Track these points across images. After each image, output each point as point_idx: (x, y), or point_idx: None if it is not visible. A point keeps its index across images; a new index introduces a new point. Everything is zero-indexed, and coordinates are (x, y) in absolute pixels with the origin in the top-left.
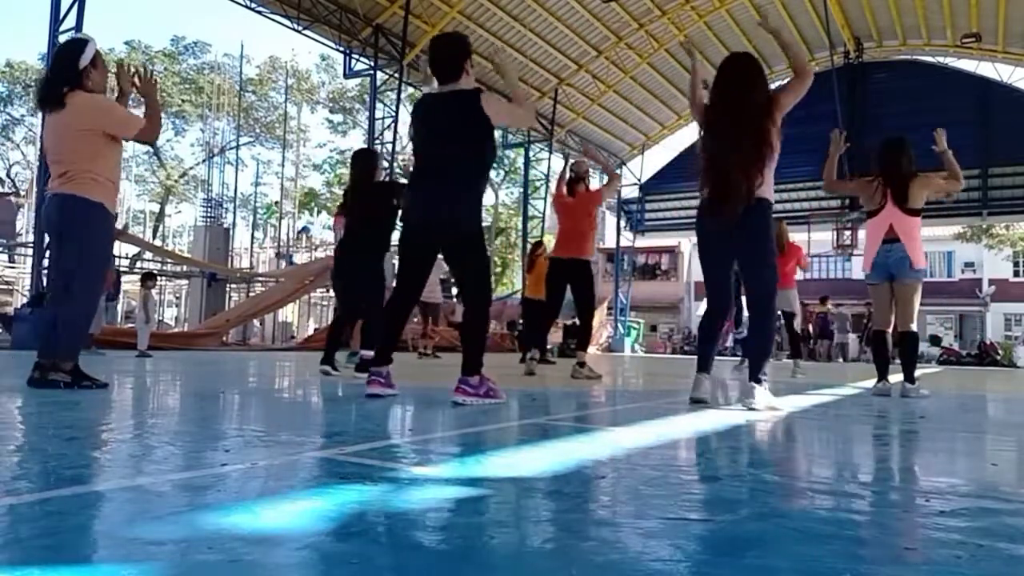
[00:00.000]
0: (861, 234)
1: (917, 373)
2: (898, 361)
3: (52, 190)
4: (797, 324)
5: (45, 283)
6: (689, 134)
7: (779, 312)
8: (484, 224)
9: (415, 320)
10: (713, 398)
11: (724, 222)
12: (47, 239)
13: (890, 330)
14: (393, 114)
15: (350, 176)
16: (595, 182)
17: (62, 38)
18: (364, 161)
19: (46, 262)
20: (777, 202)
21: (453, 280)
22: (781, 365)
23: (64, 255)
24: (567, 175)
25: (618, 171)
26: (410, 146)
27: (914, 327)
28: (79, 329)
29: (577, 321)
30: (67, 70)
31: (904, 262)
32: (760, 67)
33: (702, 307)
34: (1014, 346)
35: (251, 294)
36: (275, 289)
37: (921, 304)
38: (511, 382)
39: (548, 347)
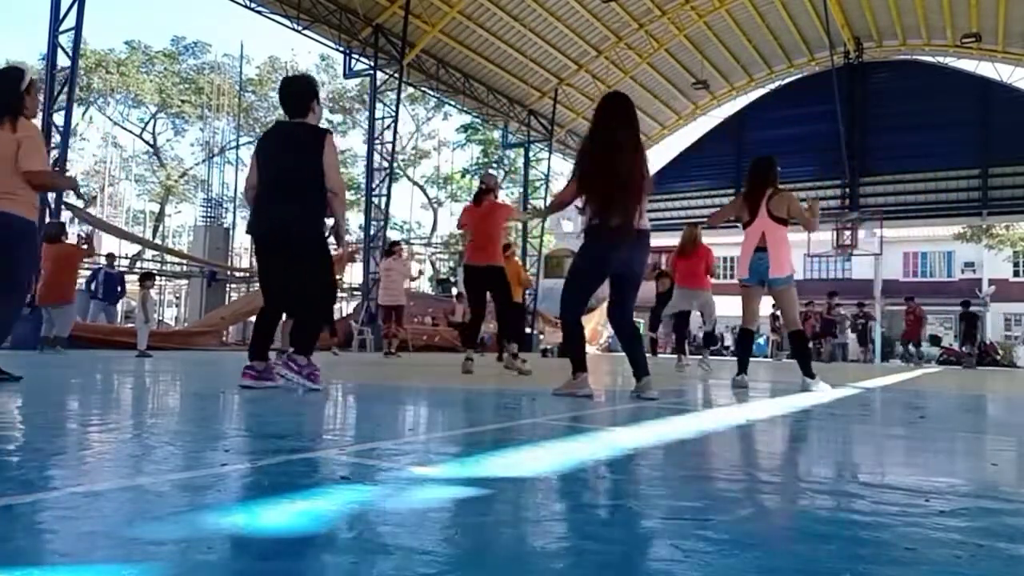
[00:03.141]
0: (861, 233)
1: (917, 373)
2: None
3: None
4: (712, 324)
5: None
6: (689, 134)
7: (680, 312)
8: None
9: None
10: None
11: (617, 246)
12: None
13: (755, 327)
14: (393, 114)
15: None
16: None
17: (62, 38)
18: None
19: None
20: None
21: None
22: (781, 365)
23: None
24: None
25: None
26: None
27: (799, 326)
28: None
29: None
30: (10, 97)
31: (769, 270)
32: (633, 108)
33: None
34: (1014, 346)
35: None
36: None
37: (921, 304)
38: (511, 382)
39: (548, 347)
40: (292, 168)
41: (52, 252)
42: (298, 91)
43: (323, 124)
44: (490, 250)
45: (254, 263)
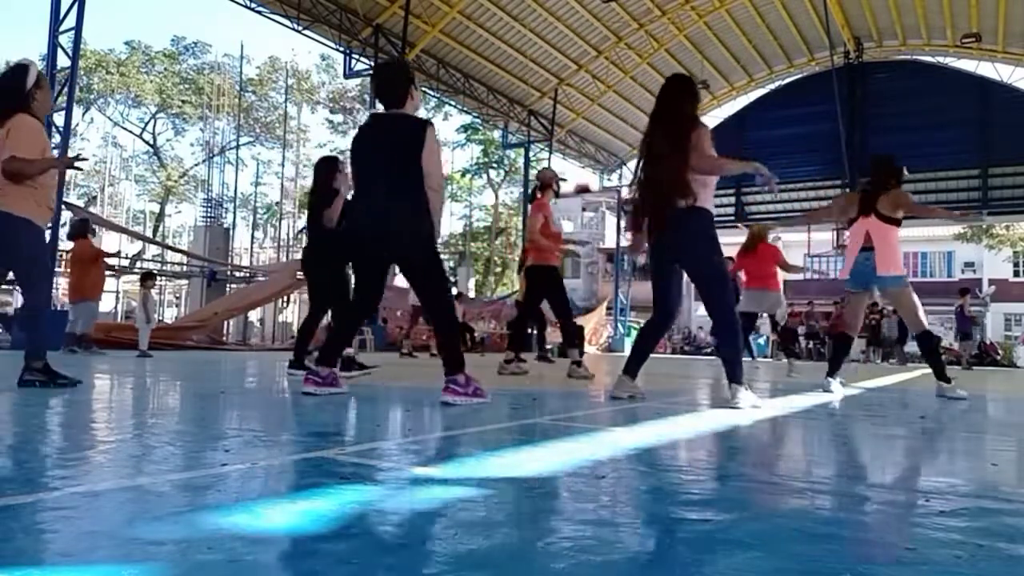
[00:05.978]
0: None
1: (916, 374)
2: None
3: None
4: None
5: None
6: None
7: (745, 313)
8: (485, 224)
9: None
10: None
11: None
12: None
13: (855, 334)
14: None
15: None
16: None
17: (62, 38)
18: (319, 169)
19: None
20: (775, 201)
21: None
22: (780, 365)
23: (11, 267)
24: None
25: (617, 171)
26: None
27: (925, 327)
28: (33, 331)
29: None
30: (15, 93)
31: (876, 269)
32: (679, 90)
33: (702, 308)
34: (1014, 346)
35: None
36: (266, 284)
37: (921, 304)
38: (509, 382)
39: (548, 347)
40: (391, 162)
41: (74, 250)
42: (391, 78)
43: (324, 124)
44: (533, 250)
45: (254, 263)
